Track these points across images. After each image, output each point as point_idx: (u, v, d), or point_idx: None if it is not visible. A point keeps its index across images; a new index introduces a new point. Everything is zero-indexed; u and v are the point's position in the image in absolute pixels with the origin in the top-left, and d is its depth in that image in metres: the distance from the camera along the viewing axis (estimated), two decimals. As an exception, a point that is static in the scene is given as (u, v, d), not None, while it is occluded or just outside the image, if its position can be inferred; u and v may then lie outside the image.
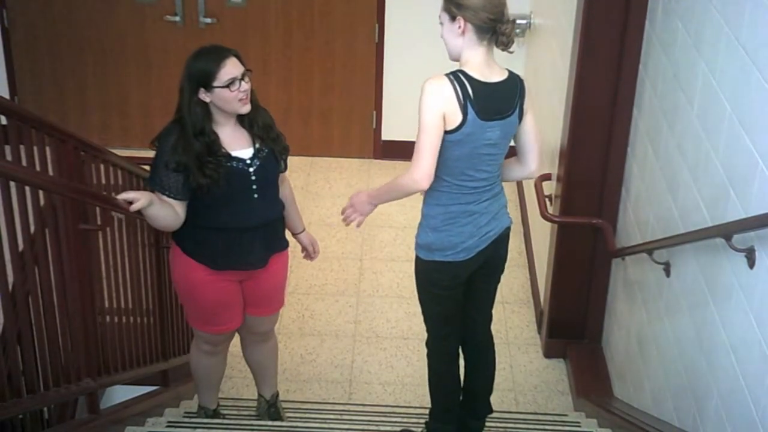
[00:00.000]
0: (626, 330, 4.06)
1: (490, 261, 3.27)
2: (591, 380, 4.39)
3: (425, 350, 3.49)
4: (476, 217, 3.14)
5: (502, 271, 3.39)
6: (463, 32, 2.97)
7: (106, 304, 3.52)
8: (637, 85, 3.91)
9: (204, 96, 3.09)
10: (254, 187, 3.22)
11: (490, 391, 3.61)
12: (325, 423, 3.85)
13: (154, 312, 3.95)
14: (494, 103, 3.01)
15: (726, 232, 2.67)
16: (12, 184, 2.66)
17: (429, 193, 3.16)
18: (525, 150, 3.21)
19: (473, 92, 2.95)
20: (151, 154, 3.24)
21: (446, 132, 2.96)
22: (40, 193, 2.93)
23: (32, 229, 2.92)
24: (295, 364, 4.71)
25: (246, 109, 3.15)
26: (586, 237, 4.34)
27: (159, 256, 3.94)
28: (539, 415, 4.29)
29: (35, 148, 3.01)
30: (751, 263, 2.55)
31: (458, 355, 3.49)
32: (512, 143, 3.19)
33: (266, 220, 3.31)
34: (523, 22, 5.76)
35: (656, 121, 3.62)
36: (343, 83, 6.29)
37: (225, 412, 3.91)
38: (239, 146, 3.20)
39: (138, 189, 3.56)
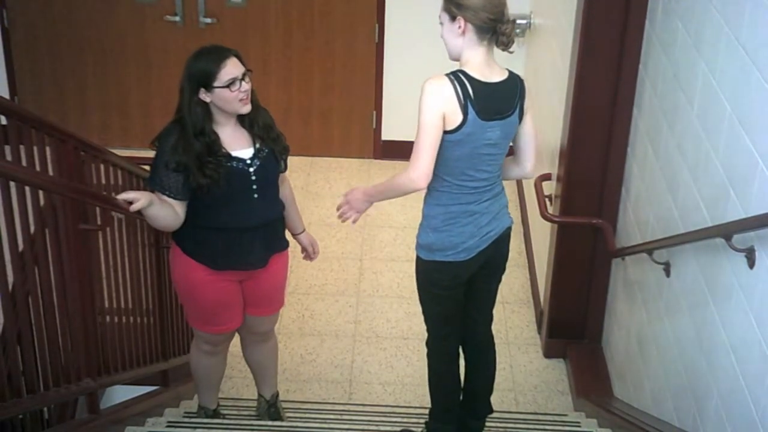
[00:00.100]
0: (626, 330, 4.06)
1: (491, 261, 3.27)
2: (591, 380, 4.39)
3: (425, 350, 3.49)
4: (477, 217, 3.14)
5: (503, 271, 3.39)
6: (464, 32, 2.97)
7: (106, 304, 3.52)
8: (637, 85, 3.91)
9: (204, 96, 3.09)
10: (254, 187, 3.22)
11: (490, 391, 3.61)
12: (325, 423, 3.85)
13: (154, 312, 3.95)
14: (494, 103, 3.01)
15: (726, 232, 2.67)
16: (12, 184, 2.66)
17: (429, 193, 3.16)
18: (522, 150, 3.22)
19: (473, 92, 2.95)
20: (151, 154, 3.24)
21: (446, 132, 2.96)
22: (40, 193, 2.93)
23: (32, 229, 2.92)
24: (295, 364, 4.71)
25: (246, 109, 3.15)
26: (586, 237, 4.34)
27: (159, 256, 3.94)
28: (539, 415, 4.29)
29: (35, 148, 3.01)
30: (751, 263, 2.55)
31: (458, 355, 3.49)
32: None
33: (266, 220, 3.31)
34: (523, 22, 5.76)
35: (656, 121, 3.62)
36: (343, 83, 6.29)
37: (225, 412, 3.91)
38: (239, 146, 3.20)
39: (138, 189, 3.56)
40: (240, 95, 3.09)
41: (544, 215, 4.33)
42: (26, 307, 2.92)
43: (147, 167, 3.41)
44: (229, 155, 3.17)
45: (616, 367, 4.26)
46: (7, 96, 6.08)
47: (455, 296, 3.29)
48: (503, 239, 3.27)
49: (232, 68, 3.07)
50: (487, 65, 3.01)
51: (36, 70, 6.26)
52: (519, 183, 6.10)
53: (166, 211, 3.12)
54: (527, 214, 5.67)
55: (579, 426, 3.94)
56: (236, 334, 3.69)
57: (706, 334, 2.94)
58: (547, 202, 4.43)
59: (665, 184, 3.46)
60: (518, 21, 5.63)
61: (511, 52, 3.04)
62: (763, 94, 2.54)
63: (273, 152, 3.28)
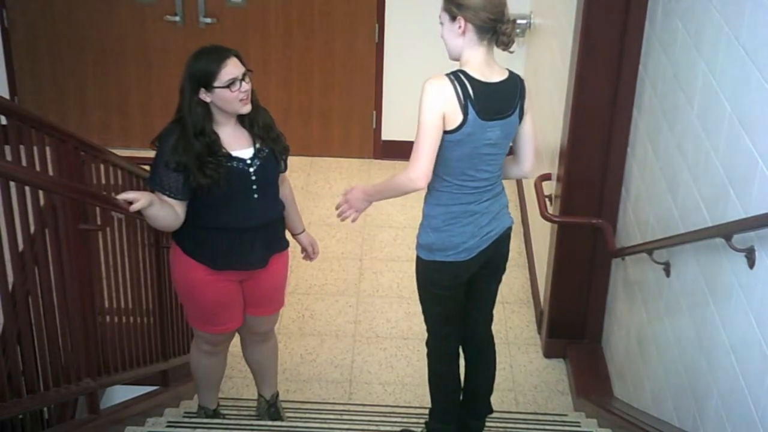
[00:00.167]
0: (626, 330, 4.06)
1: (492, 261, 3.27)
2: (591, 380, 4.39)
3: (425, 350, 3.49)
4: (477, 217, 3.14)
5: (503, 271, 3.39)
6: (464, 32, 2.97)
7: (106, 304, 3.52)
8: (637, 85, 3.91)
9: (204, 96, 3.09)
10: (254, 187, 3.22)
11: (490, 391, 3.61)
12: (325, 423, 3.85)
13: (154, 312, 3.95)
14: (495, 103, 3.01)
15: (726, 232, 2.67)
16: (12, 184, 2.66)
17: (430, 193, 3.16)
18: (521, 150, 3.22)
19: (474, 92, 2.95)
20: (151, 154, 3.24)
21: (447, 132, 2.96)
22: (40, 193, 2.93)
23: (32, 229, 2.92)
24: (295, 364, 4.71)
25: (246, 109, 3.15)
26: (586, 237, 4.34)
27: (159, 256, 3.94)
28: (539, 415, 4.29)
29: (35, 148, 3.01)
30: (751, 263, 2.55)
31: (458, 355, 3.49)
32: (509, 142, 3.20)
33: (266, 221, 3.31)
34: (523, 22, 5.76)
35: (656, 121, 3.62)
36: (343, 83, 6.29)
37: (225, 412, 3.91)
38: (239, 146, 3.20)
39: (138, 189, 3.57)
40: (240, 95, 3.09)
41: (544, 215, 4.33)
42: (26, 307, 2.92)
43: (147, 167, 3.41)
44: (230, 155, 3.17)
45: (616, 367, 4.26)
46: (7, 96, 6.08)
47: (455, 296, 3.29)
48: (504, 239, 3.27)
49: (232, 68, 3.07)
50: (487, 65, 3.01)
51: (36, 70, 6.26)
52: (519, 183, 6.10)
53: (166, 211, 3.12)
54: (527, 214, 5.67)
55: (579, 426, 3.94)
56: (236, 334, 3.69)
57: (706, 334, 2.94)
58: (547, 202, 4.43)
59: (665, 184, 3.46)
60: (518, 21, 5.63)
61: (512, 52, 3.04)
62: (763, 94, 2.54)
63: (273, 152, 3.28)
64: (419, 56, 5.69)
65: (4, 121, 2.87)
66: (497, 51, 3.04)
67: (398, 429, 3.72)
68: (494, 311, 3.51)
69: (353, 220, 3.29)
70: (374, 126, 6.41)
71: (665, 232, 3.42)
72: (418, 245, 3.23)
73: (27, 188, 2.85)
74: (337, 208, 3.31)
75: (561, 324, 4.62)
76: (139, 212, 3.04)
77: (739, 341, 2.66)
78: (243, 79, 3.09)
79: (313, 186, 6.19)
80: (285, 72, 6.24)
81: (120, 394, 3.98)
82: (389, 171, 6.18)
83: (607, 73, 3.95)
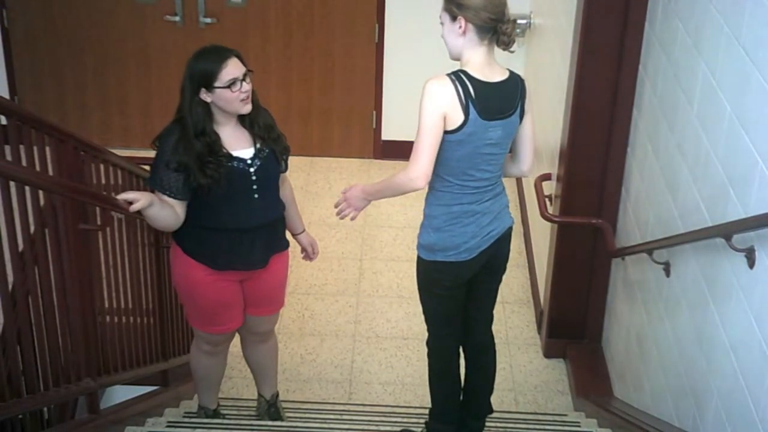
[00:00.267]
0: (626, 330, 4.06)
1: (492, 261, 3.27)
2: (591, 380, 4.39)
3: (425, 350, 3.49)
4: (478, 216, 3.14)
5: (503, 271, 3.39)
6: (464, 32, 2.97)
7: (106, 304, 3.52)
8: (637, 85, 3.91)
9: (205, 96, 3.09)
10: (255, 187, 3.22)
11: (490, 391, 3.61)
12: (325, 423, 3.85)
13: (154, 312, 3.95)
14: (496, 102, 3.01)
15: (726, 232, 2.67)
16: (12, 184, 2.66)
17: (431, 194, 3.16)
18: (520, 150, 3.22)
19: (475, 92, 2.95)
20: (151, 153, 3.24)
21: (448, 132, 2.96)
22: (40, 193, 2.93)
23: (32, 229, 2.92)
24: (295, 364, 4.71)
25: (247, 109, 3.15)
26: (586, 237, 4.34)
27: (159, 256, 3.94)
28: (539, 415, 4.29)
29: (35, 148, 3.01)
30: (751, 263, 2.55)
31: (459, 354, 3.49)
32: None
33: (267, 221, 3.31)
34: (523, 22, 5.76)
35: (656, 121, 3.62)
36: (343, 83, 6.29)
37: (225, 412, 3.91)
38: (240, 146, 3.20)
39: (138, 189, 3.57)
40: (241, 95, 3.09)
41: (544, 215, 4.33)
42: (26, 307, 2.92)
43: (147, 167, 3.41)
44: (230, 155, 3.17)
45: (616, 367, 4.26)
46: (7, 96, 6.08)
47: (456, 296, 3.29)
48: (505, 239, 3.27)
49: (232, 68, 3.07)
50: (487, 65, 3.01)
51: (36, 70, 6.26)
52: (519, 183, 6.11)
53: (167, 212, 3.12)
54: (527, 214, 5.67)
55: (579, 426, 3.94)
56: (236, 334, 3.69)
57: (706, 334, 2.94)
58: (547, 202, 4.43)
59: (665, 184, 3.46)
60: (518, 21, 5.63)
61: (512, 52, 3.04)
62: (763, 94, 2.54)
63: (274, 152, 3.28)
64: (419, 56, 5.68)
65: (4, 121, 2.87)
66: (497, 51, 3.04)
67: (398, 429, 3.72)
68: (494, 311, 3.51)
69: (352, 219, 3.29)
70: (374, 126, 6.41)
71: (665, 232, 3.42)
72: (419, 245, 3.23)
73: (27, 188, 2.85)
74: (336, 207, 3.31)
75: (561, 324, 4.62)
76: (139, 212, 3.04)
77: (739, 341, 2.66)
78: (244, 80, 3.09)
79: (313, 186, 6.19)
80: (285, 72, 6.24)
81: (120, 394, 3.98)
82: (389, 171, 6.18)
83: (607, 73, 3.95)
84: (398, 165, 6.08)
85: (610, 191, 4.18)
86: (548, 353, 4.75)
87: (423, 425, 3.66)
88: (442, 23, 3.04)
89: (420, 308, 3.41)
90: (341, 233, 5.71)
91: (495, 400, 3.68)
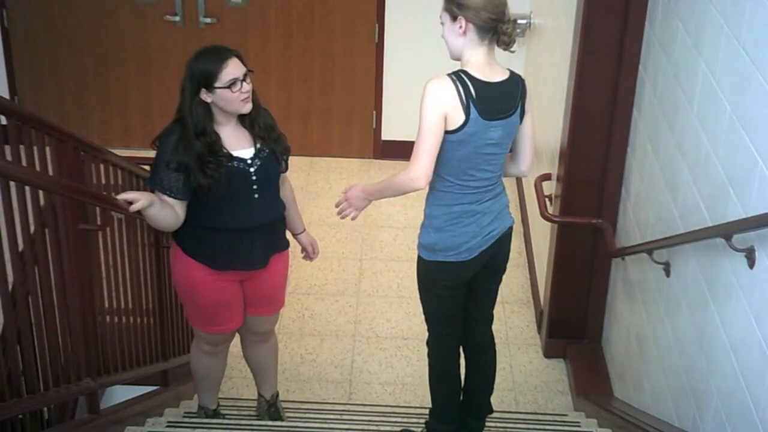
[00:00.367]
0: (626, 330, 4.06)
1: (493, 261, 3.27)
2: (591, 380, 4.39)
3: (425, 350, 3.49)
4: (479, 216, 3.14)
5: (504, 270, 3.39)
6: (465, 32, 2.97)
7: (106, 304, 3.52)
8: (637, 85, 3.91)
9: (205, 96, 3.09)
10: (255, 187, 3.22)
11: (490, 391, 3.61)
12: (325, 423, 3.85)
13: (154, 312, 3.95)
14: (496, 102, 3.01)
15: (726, 232, 2.67)
16: (12, 184, 2.66)
17: (432, 194, 3.16)
18: (519, 150, 3.22)
19: (475, 92, 2.95)
20: (151, 154, 3.24)
21: (449, 132, 2.96)
22: (40, 193, 2.93)
23: (32, 229, 2.92)
24: (295, 364, 4.71)
25: (247, 109, 3.15)
26: (586, 237, 4.34)
27: (159, 256, 3.94)
28: (539, 415, 4.29)
29: (35, 148, 3.01)
30: (751, 263, 2.55)
31: (459, 354, 3.49)
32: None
33: (267, 221, 3.30)
34: (523, 22, 5.76)
35: (656, 121, 3.62)
36: (343, 83, 6.29)
37: (225, 412, 3.91)
38: (240, 146, 3.20)
39: (138, 189, 3.57)
40: (241, 96, 3.09)
41: (544, 215, 4.33)
42: (26, 307, 2.92)
43: (147, 167, 3.41)
44: (230, 155, 3.17)
45: (616, 367, 4.26)
46: (7, 96, 6.08)
47: (457, 296, 3.29)
48: (505, 239, 3.28)
49: (233, 69, 3.07)
50: (488, 65, 3.01)
51: (36, 70, 6.26)
52: (519, 183, 6.11)
53: (167, 212, 3.12)
54: (527, 214, 5.67)
55: (579, 426, 3.94)
56: (236, 334, 3.69)
57: (706, 334, 2.94)
58: (547, 202, 4.43)
59: (665, 184, 3.46)
60: (518, 21, 5.63)
61: (513, 52, 3.04)
62: (763, 94, 2.54)
63: (274, 152, 3.28)
64: (419, 56, 5.68)
65: (4, 121, 2.87)
66: (497, 51, 3.04)
67: (398, 429, 3.72)
68: (494, 311, 3.51)
69: (353, 218, 3.29)
70: (374, 126, 6.41)
71: (665, 232, 3.42)
72: (420, 245, 3.23)
73: (27, 188, 2.85)
74: (337, 206, 3.31)
75: (561, 324, 4.62)
76: (139, 212, 3.04)
77: (739, 341, 2.66)
78: (244, 80, 3.09)
79: (313, 186, 6.19)
80: (285, 72, 6.24)
81: (120, 394, 3.98)
82: (389, 171, 6.18)
83: (607, 73, 3.95)
84: (398, 165, 6.08)
85: (610, 191, 4.18)
86: (548, 353, 4.75)
87: (423, 425, 3.66)
88: (442, 23, 3.04)
89: (420, 308, 3.41)
90: (341, 233, 5.71)
91: (495, 400, 3.68)
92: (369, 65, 6.22)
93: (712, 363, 2.88)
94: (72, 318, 3.14)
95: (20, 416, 3.12)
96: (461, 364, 3.52)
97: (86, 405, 3.38)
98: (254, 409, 3.95)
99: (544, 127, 4.71)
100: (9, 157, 2.88)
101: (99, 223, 3.24)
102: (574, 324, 4.57)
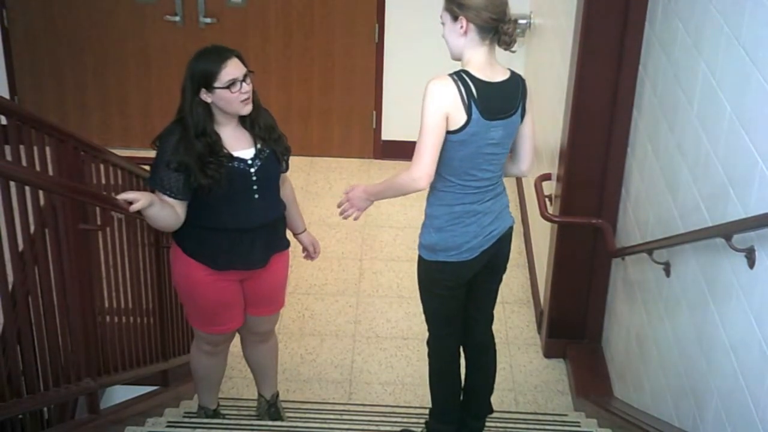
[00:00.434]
0: (626, 330, 4.06)
1: (493, 260, 3.27)
2: (591, 380, 4.39)
3: (425, 350, 3.49)
4: (480, 216, 3.14)
5: (504, 270, 3.39)
6: (466, 32, 2.97)
7: (106, 304, 3.52)
8: (637, 85, 3.91)
9: (205, 96, 3.08)
10: (255, 187, 3.22)
11: (490, 391, 3.61)
12: (325, 423, 3.85)
13: (154, 312, 3.95)
14: (498, 102, 3.01)
15: (726, 232, 2.67)
16: (12, 184, 2.66)
17: (433, 194, 3.16)
18: (520, 149, 3.22)
19: (477, 92, 2.95)
20: (151, 154, 3.24)
21: (450, 132, 2.96)
22: (40, 193, 2.93)
23: (32, 229, 2.92)
24: (295, 364, 4.71)
25: (247, 110, 3.14)
26: (586, 237, 4.34)
27: (159, 256, 3.94)
28: (539, 415, 4.29)
29: (35, 148, 3.01)
30: (751, 263, 2.55)
31: (459, 354, 3.49)
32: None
33: (267, 221, 3.30)
34: (523, 22, 5.76)
35: (656, 121, 3.62)
36: (343, 83, 6.29)
37: (225, 412, 3.91)
38: (241, 147, 3.20)
39: (138, 189, 3.57)
40: (240, 96, 3.08)
41: (544, 215, 4.33)
42: (26, 307, 2.92)
43: (147, 167, 3.41)
44: (231, 155, 3.17)
45: (616, 367, 4.26)
46: (7, 96, 6.08)
47: (457, 296, 3.29)
48: (506, 238, 3.28)
49: (232, 69, 3.06)
50: (489, 65, 3.01)
51: (36, 70, 6.26)
52: (519, 183, 6.11)
53: (167, 212, 3.12)
54: (527, 214, 5.67)
55: (579, 426, 3.94)
56: (236, 334, 3.68)
57: (706, 334, 2.94)
58: (547, 202, 4.43)
59: (665, 184, 3.46)
60: (519, 21, 5.63)
61: (513, 52, 3.04)
62: (763, 94, 2.54)
63: (275, 153, 3.28)
64: (419, 56, 5.69)
65: (4, 121, 2.87)
66: (498, 50, 3.04)
67: (398, 429, 3.72)
68: (494, 311, 3.51)
69: (355, 219, 3.30)
70: (374, 126, 6.41)
71: (665, 232, 3.42)
72: (421, 245, 3.23)
73: (27, 188, 2.85)
74: (339, 207, 3.31)
75: (561, 324, 4.62)
76: (139, 212, 3.04)
77: (739, 341, 2.66)
78: (244, 80, 3.08)
79: (313, 186, 6.19)
80: (285, 72, 6.24)
81: (120, 394, 3.98)
82: (389, 171, 6.18)
83: (607, 73, 3.95)
84: (398, 165, 6.09)
85: (610, 191, 4.18)
86: (548, 353, 4.75)
87: (423, 425, 3.66)
88: (443, 23, 3.04)
89: (420, 308, 3.42)
90: (341, 233, 5.71)
91: (495, 400, 3.68)
92: (369, 65, 6.22)
93: (712, 363, 2.88)
94: (72, 318, 3.14)
95: (20, 416, 3.12)
96: (461, 364, 3.52)
97: (86, 405, 3.38)
98: (254, 409, 3.95)
99: (544, 127, 4.71)
100: (9, 157, 2.88)
101: (99, 223, 3.24)
102: (574, 324, 4.57)
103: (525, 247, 5.61)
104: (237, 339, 3.73)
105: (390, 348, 4.83)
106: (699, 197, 3.06)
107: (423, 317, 3.42)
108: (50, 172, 3.09)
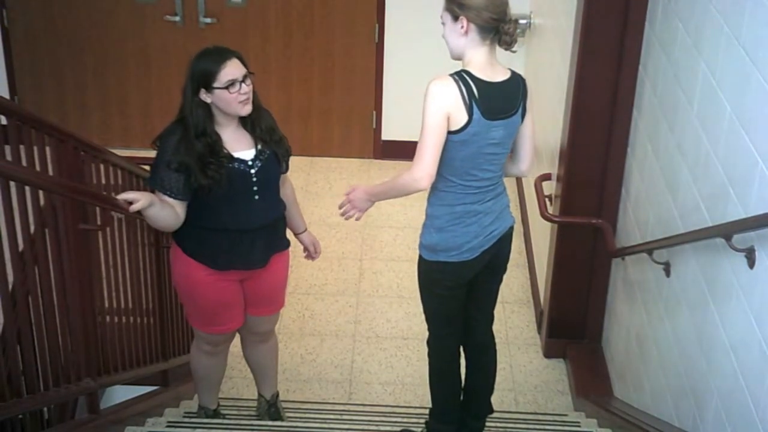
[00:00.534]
0: (626, 330, 4.06)
1: (494, 260, 3.27)
2: (591, 380, 4.40)
3: (425, 350, 3.49)
4: (480, 216, 3.14)
5: (504, 270, 3.39)
6: (466, 32, 2.97)
7: (106, 304, 3.52)
8: (637, 85, 3.91)
9: (205, 97, 3.08)
10: (255, 188, 3.22)
11: (490, 391, 3.61)
12: (325, 423, 3.85)
13: (154, 312, 3.95)
14: (499, 102, 3.01)
15: (726, 232, 2.67)
16: (12, 184, 2.66)
17: (433, 194, 3.16)
18: (520, 149, 3.22)
19: (478, 92, 2.95)
20: (151, 154, 3.24)
21: (452, 132, 2.96)
22: (40, 193, 2.93)
23: (32, 229, 2.92)
24: (295, 364, 4.71)
25: (246, 111, 3.14)
26: (586, 237, 4.34)
27: (159, 256, 3.94)
28: (539, 415, 4.29)
29: (35, 148, 3.01)
30: (751, 263, 2.55)
31: (459, 354, 3.49)
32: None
33: (267, 221, 3.30)
34: (524, 22, 5.76)
35: (656, 121, 3.62)
36: (343, 83, 6.29)
37: (225, 412, 3.91)
38: (241, 147, 3.20)
39: (138, 189, 3.57)
40: (240, 97, 3.08)
41: (544, 215, 4.33)
42: (26, 307, 2.92)
43: (147, 167, 3.41)
44: (231, 156, 3.17)
45: (616, 367, 4.26)
46: (7, 96, 6.08)
47: (457, 296, 3.29)
48: (506, 238, 3.28)
49: (232, 69, 3.06)
50: (489, 65, 3.01)
51: (36, 70, 6.26)
52: (519, 183, 6.11)
53: (167, 212, 3.12)
54: (527, 214, 5.67)
55: (579, 426, 3.94)
56: (236, 334, 3.68)
57: (706, 334, 2.94)
58: (547, 202, 4.43)
59: (665, 184, 3.46)
60: (519, 21, 5.62)
61: (514, 52, 3.04)
62: (763, 94, 2.54)
63: (275, 154, 3.28)
64: (419, 56, 5.69)
65: (4, 121, 2.87)
66: (498, 50, 3.04)
67: (398, 429, 3.72)
68: (494, 311, 3.51)
69: (357, 219, 3.30)
70: (374, 126, 6.41)
71: (665, 232, 3.42)
72: (421, 245, 3.23)
73: (27, 188, 2.85)
74: (340, 208, 3.31)
75: (561, 324, 4.62)
76: (139, 212, 3.03)
77: (739, 341, 2.66)
78: (243, 81, 3.08)
79: (313, 186, 6.19)
80: (285, 72, 6.24)
81: (120, 394, 3.98)
82: (389, 171, 6.18)
83: (607, 74, 3.95)
84: (398, 165, 6.09)
85: (610, 191, 4.18)
86: (548, 353, 4.75)
87: (423, 425, 3.66)
88: (443, 23, 3.03)
89: (420, 308, 3.42)
90: (341, 233, 5.71)
91: (495, 400, 3.67)
92: (369, 65, 6.22)
93: (712, 363, 2.88)
94: (72, 318, 3.14)
95: (20, 416, 3.12)
96: (461, 364, 3.52)
97: (86, 405, 3.38)
98: (254, 409, 3.95)
99: (544, 127, 4.71)
100: (9, 157, 2.88)
101: (99, 223, 3.24)
102: (574, 324, 4.57)
103: (525, 247, 5.61)
104: (237, 339, 3.73)
105: (390, 348, 4.83)
106: (699, 197, 3.06)
107: (423, 317, 3.43)
108: (50, 172, 3.09)
